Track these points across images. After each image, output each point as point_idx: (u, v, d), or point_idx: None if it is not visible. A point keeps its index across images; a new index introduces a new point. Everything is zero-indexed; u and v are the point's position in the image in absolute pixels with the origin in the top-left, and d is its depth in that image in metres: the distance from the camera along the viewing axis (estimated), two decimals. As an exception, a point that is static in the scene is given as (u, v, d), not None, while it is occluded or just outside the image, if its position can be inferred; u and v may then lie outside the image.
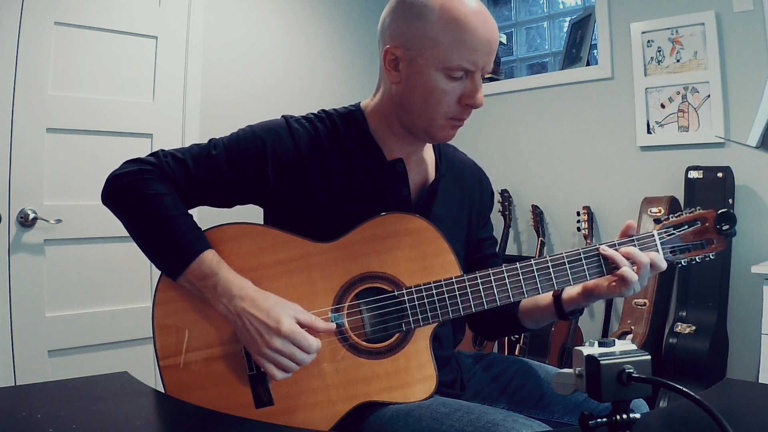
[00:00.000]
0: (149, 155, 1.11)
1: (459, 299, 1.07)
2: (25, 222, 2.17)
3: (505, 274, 1.08)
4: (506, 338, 2.73)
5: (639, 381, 0.64)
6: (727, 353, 2.55)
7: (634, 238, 1.12)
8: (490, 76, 3.30)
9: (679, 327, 2.48)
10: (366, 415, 1.05)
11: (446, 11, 1.03)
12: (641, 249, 1.11)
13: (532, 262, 1.09)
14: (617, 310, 2.86)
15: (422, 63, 1.05)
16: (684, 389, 0.62)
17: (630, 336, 2.56)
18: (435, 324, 1.09)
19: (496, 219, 3.08)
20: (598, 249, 1.10)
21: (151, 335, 1.06)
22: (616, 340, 0.69)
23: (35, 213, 2.19)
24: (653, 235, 1.13)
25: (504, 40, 3.57)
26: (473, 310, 1.08)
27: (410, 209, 1.15)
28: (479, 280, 1.08)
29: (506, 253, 3.22)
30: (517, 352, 2.73)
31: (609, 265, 1.10)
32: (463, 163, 1.31)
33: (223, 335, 1.05)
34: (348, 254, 1.07)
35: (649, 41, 2.81)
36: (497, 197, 3.12)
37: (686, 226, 1.15)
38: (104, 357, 2.35)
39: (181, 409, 1.00)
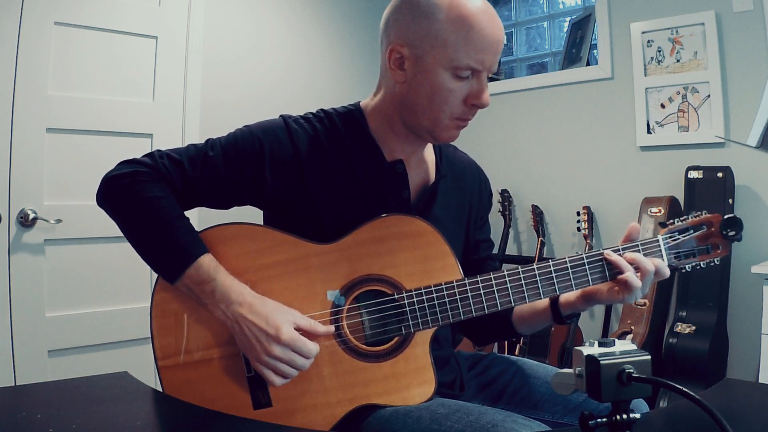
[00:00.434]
0: (145, 156, 1.09)
1: (459, 303, 1.06)
2: (25, 222, 2.17)
3: (507, 278, 1.07)
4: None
5: (639, 381, 0.64)
6: (727, 353, 2.55)
7: (639, 243, 1.10)
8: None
9: (679, 327, 2.48)
10: (365, 415, 1.05)
11: (454, 10, 1.02)
12: (645, 254, 1.10)
13: (535, 266, 1.08)
14: (617, 310, 2.86)
15: (429, 62, 1.04)
16: (684, 389, 0.62)
17: (630, 336, 2.56)
18: (435, 328, 1.08)
19: (496, 219, 3.08)
20: (602, 254, 1.09)
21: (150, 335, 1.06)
22: (616, 340, 0.69)
23: (35, 213, 2.19)
24: (658, 241, 1.12)
25: (504, 40, 3.57)
26: (474, 314, 1.07)
27: (410, 211, 1.14)
28: (480, 284, 1.07)
29: (506, 253, 3.22)
30: (517, 353, 2.73)
31: (612, 271, 1.09)
32: (463, 163, 1.30)
33: (222, 336, 1.05)
34: (348, 256, 1.07)
35: (649, 41, 2.81)
36: (497, 197, 3.12)
37: (691, 231, 1.14)
38: (104, 357, 2.35)
39: (181, 409, 0.99)
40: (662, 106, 2.79)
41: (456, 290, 1.07)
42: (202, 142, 1.13)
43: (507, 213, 3.15)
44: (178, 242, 1.03)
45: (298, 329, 1.01)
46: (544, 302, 1.18)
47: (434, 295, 1.06)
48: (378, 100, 1.15)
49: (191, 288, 1.03)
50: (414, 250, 1.08)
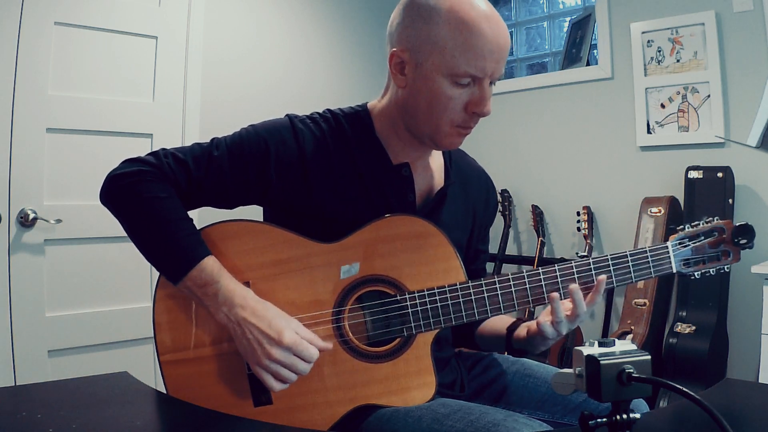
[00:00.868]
0: (149, 154, 1.09)
1: (462, 306, 1.06)
2: (25, 222, 2.17)
3: (511, 281, 1.07)
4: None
5: (639, 381, 0.64)
6: (727, 353, 2.55)
7: (647, 249, 1.09)
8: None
9: (679, 327, 2.48)
10: (366, 415, 1.05)
11: (454, 14, 1.00)
12: (653, 260, 1.09)
13: (540, 270, 1.07)
14: (617, 310, 2.86)
15: (428, 68, 1.02)
16: (684, 389, 0.62)
17: (630, 336, 2.56)
18: (437, 330, 1.07)
19: (497, 219, 3.08)
20: (607, 258, 1.08)
21: (152, 333, 1.06)
22: (616, 340, 0.69)
23: (35, 213, 2.19)
24: (667, 247, 1.11)
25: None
26: (476, 317, 1.06)
27: (415, 215, 1.13)
28: (484, 288, 1.06)
29: (506, 253, 3.22)
30: (517, 352, 2.73)
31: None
32: (472, 169, 1.29)
33: (224, 333, 1.05)
34: (350, 256, 1.06)
35: (649, 41, 2.81)
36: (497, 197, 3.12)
37: (702, 238, 1.12)
38: (104, 357, 2.35)
39: (181, 409, 1.00)
40: (662, 106, 2.79)
41: (459, 293, 1.06)
42: (207, 141, 1.12)
43: (507, 213, 3.15)
44: (182, 244, 1.03)
45: None
46: (503, 329, 1.19)
47: (437, 297, 1.06)
48: (384, 103, 1.14)
49: (193, 290, 1.02)
50: (418, 252, 1.07)
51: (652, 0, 2.81)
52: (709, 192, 2.53)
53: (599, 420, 0.65)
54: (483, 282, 1.06)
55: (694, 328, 2.45)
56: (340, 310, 1.06)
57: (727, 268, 1.13)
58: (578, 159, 3.08)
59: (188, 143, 1.14)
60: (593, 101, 3.02)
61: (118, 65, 2.39)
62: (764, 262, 2.22)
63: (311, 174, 1.09)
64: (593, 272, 1.08)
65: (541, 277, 1.07)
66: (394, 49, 1.07)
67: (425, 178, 1.18)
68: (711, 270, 1.13)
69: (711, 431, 0.66)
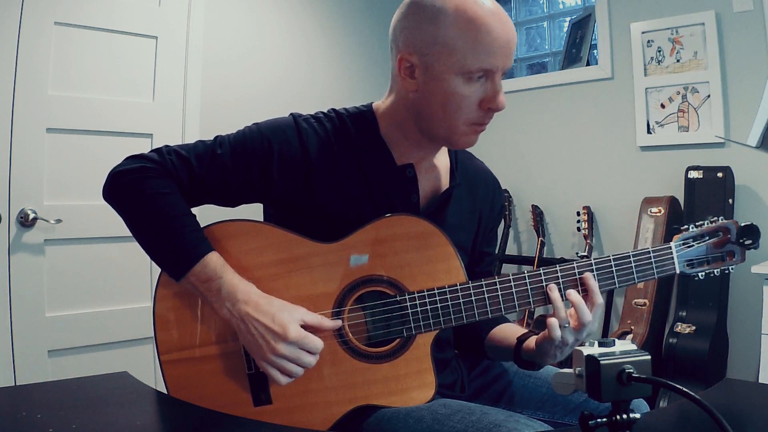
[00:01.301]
0: (152, 151, 1.09)
1: (463, 307, 1.05)
2: (25, 222, 2.17)
3: (512, 282, 1.06)
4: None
5: (639, 381, 0.64)
6: (727, 353, 2.55)
7: (650, 250, 1.08)
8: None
9: (679, 327, 2.48)
10: (366, 415, 1.05)
11: (461, 13, 0.99)
12: (656, 261, 1.08)
13: (541, 270, 1.07)
14: (617, 310, 2.86)
15: (439, 69, 1.02)
16: (684, 389, 0.62)
17: (630, 336, 2.56)
18: (437, 331, 1.07)
19: (496, 219, 3.08)
20: (609, 258, 1.08)
21: (152, 332, 1.06)
22: (616, 340, 0.69)
23: (35, 213, 2.19)
24: (670, 248, 1.09)
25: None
26: (477, 318, 1.06)
27: (416, 215, 1.13)
28: (484, 288, 1.06)
29: (506, 253, 3.22)
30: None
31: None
32: (479, 171, 1.28)
33: (224, 332, 1.05)
34: (351, 256, 1.06)
35: (649, 41, 2.81)
36: (497, 197, 3.12)
37: (707, 238, 1.11)
38: (104, 357, 2.35)
39: (181, 409, 1.00)
40: (662, 106, 2.79)
41: (460, 294, 1.05)
42: (211, 138, 1.12)
43: (507, 213, 3.15)
44: (185, 239, 1.03)
45: (305, 326, 1.01)
46: (513, 339, 1.16)
47: (437, 298, 1.05)
48: (390, 104, 1.14)
49: (196, 286, 1.02)
50: (418, 252, 1.07)
51: (652, 0, 2.81)
52: (709, 192, 2.53)
53: (599, 420, 0.65)
54: (483, 282, 1.06)
55: (694, 328, 2.45)
56: (340, 310, 1.06)
57: (732, 268, 1.12)
58: (578, 159, 3.08)
59: (196, 140, 1.13)
60: (593, 101, 3.02)
61: (118, 65, 2.39)
62: (764, 262, 2.22)
63: (314, 173, 1.09)
64: (595, 273, 1.07)
65: (542, 277, 1.06)
66: (402, 54, 1.05)
67: (430, 179, 1.17)
68: (715, 271, 1.11)
69: (711, 431, 0.66)
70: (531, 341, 1.12)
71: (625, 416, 0.64)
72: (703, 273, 1.11)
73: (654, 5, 2.80)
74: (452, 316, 1.05)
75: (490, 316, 1.06)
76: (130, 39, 2.42)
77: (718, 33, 2.60)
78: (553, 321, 1.03)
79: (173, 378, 1.05)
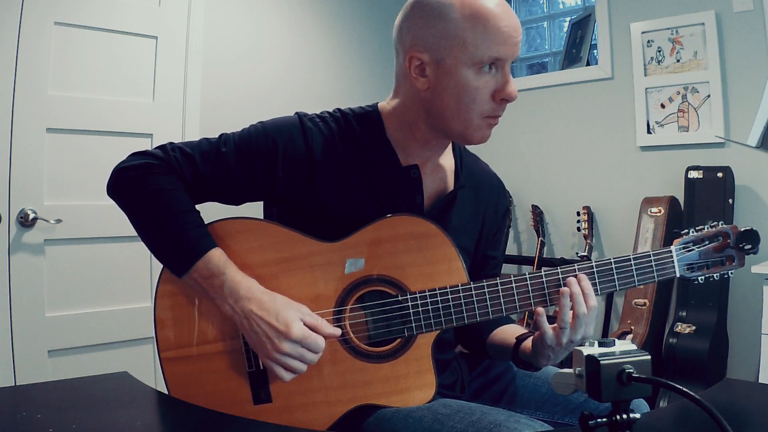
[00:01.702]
0: (156, 148, 1.09)
1: (464, 308, 1.05)
2: (25, 222, 2.17)
3: (513, 284, 1.06)
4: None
5: (639, 381, 0.64)
6: (727, 353, 2.55)
7: (651, 253, 1.09)
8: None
9: (679, 327, 2.48)
10: (366, 415, 1.05)
11: (467, 6, 1.01)
12: (657, 265, 1.08)
13: (542, 272, 1.07)
14: (617, 310, 2.86)
15: (450, 63, 1.02)
16: (684, 389, 0.62)
17: (630, 336, 2.56)
18: (438, 331, 1.07)
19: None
20: (610, 261, 1.08)
21: (152, 331, 1.06)
22: (616, 340, 0.69)
23: (35, 213, 2.19)
24: (671, 251, 1.10)
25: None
26: (478, 319, 1.06)
27: (417, 215, 1.13)
28: (486, 289, 1.06)
29: (506, 253, 3.23)
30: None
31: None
32: (484, 174, 1.28)
33: (225, 330, 1.05)
34: (352, 255, 1.06)
35: (649, 41, 2.81)
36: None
37: (707, 242, 1.11)
38: (104, 357, 2.35)
39: (181, 410, 1.00)
40: (662, 106, 2.79)
41: (461, 294, 1.05)
42: (215, 136, 1.12)
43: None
44: (188, 235, 1.03)
45: (305, 326, 1.01)
46: (512, 339, 1.16)
47: (438, 298, 1.05)
48: (397, 105, 1.13)
49: (199, 282, 1.03)
50: (420, 252, 1.07)
51: (652, 0, 2.81)
52: (709, 192, 2.53)
53: (599, 420, 0.65)
54: (485, 283, 1.06)
55: (694, 328, 2.45)
56: (341, 309, 1.06)
57: (732, 273, 1.12)
58: (578, 159, 3.08)
59: (201, 137, 1.13)
60: (593, 101, 3.02)
61: (118, 65, 2.39)
62: (764, 262, 2.21)
63: (319, 173, 1.09)
64: (596, 275, 1.07)
65: (544, 279, 1.06)
66: (411, 52, 1.05)
67: (434, 180, 1.17)
68: (715, 275, 1.11)
69: (711, 431, 0.66)
70: (528, 342, 1.12)
71: (625, 416, 0.64)
72: (703, 277, 1.11)
73: (654, 5, 2.80)
74: (453, 317, 1.05)
75: (491, 316, 1.06)
76: (130, 39, 2.42)
77: (718, 33, 2.60)
78: (540, 310, 1.04)
79: (173, 375, 1.05)
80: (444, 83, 1.04)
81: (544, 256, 3.06)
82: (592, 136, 3.02)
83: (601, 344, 0.68)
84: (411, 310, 1.05)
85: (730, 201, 2.51)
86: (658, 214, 2.65)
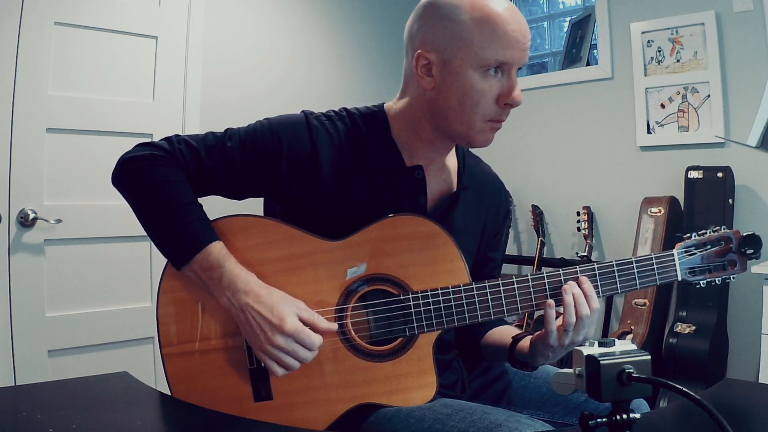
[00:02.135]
0: (162, 140, 1.10)
1: (466, 308, 1.05)
2: (25, 222, 2.17)
3: (515, 284, 1.06)
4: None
5: (639, 381, 0.64)
6: (727, 353, 2.55)
7: (653, 256, 1.09)
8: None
9: (679, 327, 2.48)
10: (367, 414, 1.05)
11: (477, 9, 1.01)
12: (659, 268, 1.08)
13: (544, 273, 1.07)
14: (617, 310, 2.86)
15: (457, 64, 1.03)
16: (684, 389, 0.62)
17: (630, 336, 2.56)
18: (439, 331, 1.07)
19: (496, 219, 3.08)
20: (612, 264, 1.08)
21: (152, 333, 1.06)
22: (616, 340, 0.69)
23: (35, 213, 2.19)
24: (673, 255, 1.10)
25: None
26: (479, 319, 1.06)
27: (420, 215, 1.13)
28: (487, 290, 1.06)
29: (506, 253, 3.23)
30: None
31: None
32: (486, 176, 1.28)
33: (227, 327, 1.05)
34: (355, 254, 1.06)
35: (649, 41, 2.81)
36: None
37: (708, 246, 1.12)
38: (104, 357, 2.35)
39: (181, 410, 1.00)
40: (662, 106, 2.79)
41: (463, 294, 1.06)
42: (221, 131, 1.12)
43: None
44: (190, 227, 1.03)
45: (300, 321, 1.01)
46: (508, 339, 1.17)
47: (440, 298, 1.05)
48: (403, 105, 1.14)
49: (198, 274, 1.03)
50: (422, 252, 1.07)
51: (652, 0, 2.81)
52: (709, 192, 2.53)
53: (599, 420, 0.65)
54: (487, 284, 1.06)
55: (694, 328, 2.45)
56: (343, 308, 1.06)
57: (733, 277, 1.13)
58: (578, 159, 3.08)
59: (207, 131, 1.14)
60: (593, 101, 3.02)
61: (118, 65, 2.39)
62: (764, 262, 2.22)
63: (323, 171, 1.09)
64: (598, 277, 1.07)
65: (546, 280, 1.07)
66: (419, 51, 1.06)
67: (438, 181, 1.18)
68: (716, 279, 1.12)
69: (711, 431, 0.66)
70: (525, 341, 1.12)
71: (625, 416, 0.64)
72: (705, 281, 1.12)
73: (654, 5, 2.80)
74: (455, 317, 1.06)
75: (492, 317, 1.06)
76: (130, 39, 2.42)
77: (718, 33, 2.60)
78: (551, 302, 1.04)
79: (174, 372, 1.05)
80: (449, 84, 1.04)
81: (544, 256, 3.06)
82: (592, 136, 3.02)
83: (601, 344, 0.68)
84: (413, 310, 1.05)
85: (730, 201, 2.51)
86: (658, 214, 2.65)
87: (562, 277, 1.07)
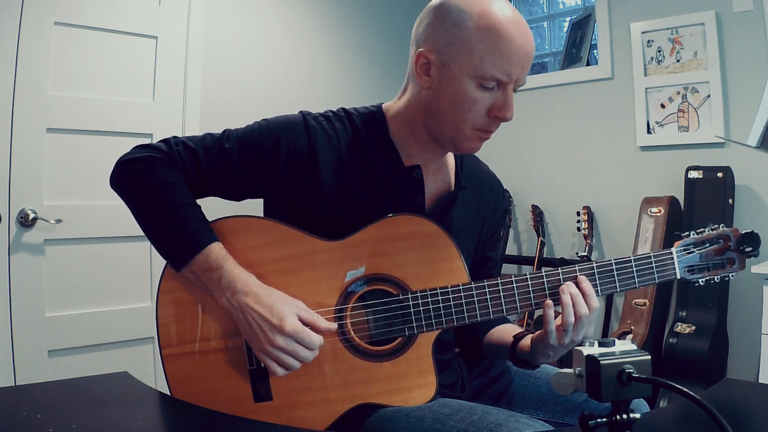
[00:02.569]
0: (160, 141, 1.10)
1: (465, 307, 1.05)
2: (25, 222, 2.17)
3: (514, 284, 1.06)
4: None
5: (639, 381, 0.64)
6: (727, 353, 2.55)
7: (652, 254, 1.09)
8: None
9: (679, 327, 2.48)
10: (367, 414, 1.05)
11: (484, 18, 1.00)
12: (657, 267, 1.09)
13: (543, 272, 1.07)
14: (617, 310, 2.86)
15: (455, 69, 1.02)
16: (684, 389, 0.62)
17: (630, 336, 2.56)
18: (439, 330, 1.07)
19: (496, 219, 3.08)
20: (611, 262, 1.08)
21: (152, 333, 1.06)
22: (616, 340, 0.69)
23: (35, 213, 2.19)
24: (671, 253, 1.10)
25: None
26: (478, 319, 1.06)
27: (419, 215, 1.13)
28: (487, 289, 1.06)
29: (506, 253, 3.23)
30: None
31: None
32: (485, 175, 1.28)
33: (227, 328, 1.05)
34: (354, 254, 1.06)
35: (649, 41, 2.81)
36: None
37: (707, 245, 1.12)
38: (104, 357, 2.35)
39: (180, 410, 1.00)
40: (662, 106, 2.79)
41: (462, 294, 1.06)
42: (219, 132, 1.12)
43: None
44: (189, 229, 1.03)
45: (300, 321, 1.01)
46: (509, 338, 1.17)
47: (440, 298, 1.06)
48: (402, 104, 1.14)
49: (198, 275, 1.03)
50: (421, 251, 1.07)
51: (652, 0, 2.81)
52: (709, 192, 2.53)
53: (599, 420, 0.65)
54: (486, 283, 1.06)
55: (694, 328, 2.45)
56: (343, 308, 1.06)
57: (732, 275, 1.13)
58: (578, 159, 3.08)
59: (204, 132, 1.14)
60: (593, 101, 3.02)
61: (118, 65, 2.39)
62: (764, 262, 2.22)
63: (321, 172, 1.09)
64: (597, 276, 1.07)
65: (545, 279, 1.07)
66: (421, 50, 1.06)
67: (437, 181, 1.18)
68: (715, 278, 1.12)
69: (711, 431, 0.66)
70: (527, 340, 1.13)
71: (625, 416, 0.65)
72: (704, 279, 1.12)
73: (654, 5, 2.80)
74: (454, 316, 1.06)
75: (492, 316, 1.07)
76: (130, 39, 2.42)
77: (718, 33, 2.60)
78: (549, 302, 1.04)
79: (174, 372, 1.05)
80: (444, 87, 1.04)
81: (544, 256, 3.06)
82: (592, 136, 3.02)
83: (601, 344, 0.68)
84: (412, 310, 1.06)
85: (730, 201, 2.51)
86: (658, 214, 2.65)
87: (560, 277, 1.07)
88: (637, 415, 0.65)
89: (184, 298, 1.06)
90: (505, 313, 1.07)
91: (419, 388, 1.06)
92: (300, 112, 1.14)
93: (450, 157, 1.21)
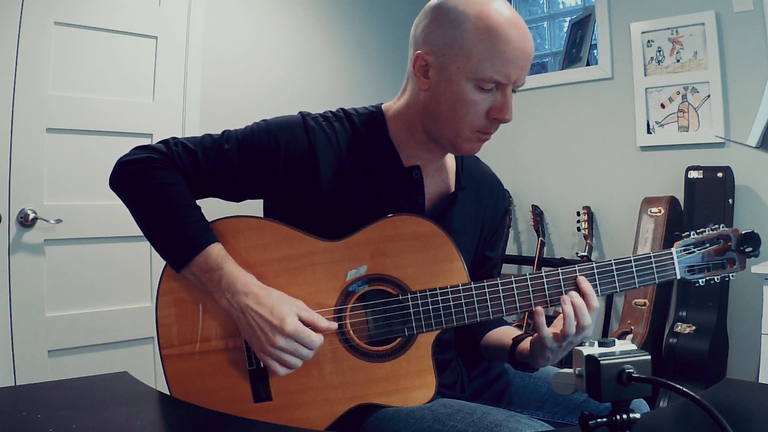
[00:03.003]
0: (159, 142, 1.10)
1: (465, 308, 1.05)
2: (25, 222, 2.17)
3: (514, 284, 1.06)
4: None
5: (639, 381, 0.64)
6: (727, 353, 2.55)
7: (652, 255, 1.09)
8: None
9: (679, 327, 2.48)
10: (367, 414, 1.05)
11: (482, 20, 1.00)
12: (657, 267, 1.08)
13: (543, 273, 1.07)
14: (617, 310, 2.86)
15: (453, 71, 1.02)
16: (684, 389, 0.62)
17: (630, 336, 2.56)
18: (438, 331, 1.07)
19: (496, 219, 3.08)
20: (611, 262, 1.08)
21: (152, 333, 1.06)
22: (616, 340, 0.69)
23: (35, 213, 2.19)
24: (671, 253, 1.10)
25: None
26: (478, 319, 1.06)
27: (418, 215, 1.13)
28: (486, 289, 1.06)
29: (506, 253, 3.22)
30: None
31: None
32: (485, 175, 1.28)
33: (226, 328, 1.05)
34: (354, 254, 1.06)
35: (649, 41, 2.81)
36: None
37: (707, 245, 1.12)
38: (104, 357, 2.35)
39: (180, 410, 1.00)
40: (662, 106, 2.79)
41: (461, 294, 1.06)
42: (218, 133, 1.12)
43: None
44: (189, 229, 1.03)
45: (300, 320, 1.01)
46: (508, 340, 1.16)
47: (439, 298, 1.05)
48: (401, 105, 1.14)
49: (198, 276, 1.03)
50: (421, 252, 1.07)
51: (652, 0, 2.81)
52: (709, 192, 2.53)
53: (599, 420, 0.65)
54: (485, 283, 1.06)
55: (694, 328, 2.45)
56: (342, 308, 1.06)
57: (732, 275, 1.12)
58: (578, 159, 3.08)
59: (204, 133, 1.14)
60: (593, 101, 3.02)
61: (118, 65, 2.39)
62: (764, 262, 2.21)
63: (321, 172, 1.09)
64: (597, 276, 1.07)
65: (544, 280, 1.07)
66: (419, 52, 1.06)
67: (436, 181, 1.18)
68: (716, 278, 1.12)
69: (711, 431, 0.66)
70: (526, 342, 1.12)
71: (625, 416, 0.64)
72: (704, 279, 1.12)
73: (654, 5, 2.80)
74: (453, 317, 1.06)
75: (491, 317, 1.06)
76: (130, 39, 2.42)
77: (718, 33, 2.60)
78: (539, 310, 1.04)
79: (174, 373, 1.05)
80: (443, 89, 1.04)
81: (544, 256, 3.06)
82: (592, 136, 3.02)
83: (601, 344, 0.68)
84: (411, 310, 1.05)
85: (730, 201, 2.51)
86: (658, 214, 2.65)
87: (560, 277, 1.07)
88: (637, 415, 0.65)
89: (183, 299, 1.06)
90: (504, 314, 1.07)
91: (419, 388, 1.06)
92: (299, 112, 1.14)
93: (450, 158, 1.21)
